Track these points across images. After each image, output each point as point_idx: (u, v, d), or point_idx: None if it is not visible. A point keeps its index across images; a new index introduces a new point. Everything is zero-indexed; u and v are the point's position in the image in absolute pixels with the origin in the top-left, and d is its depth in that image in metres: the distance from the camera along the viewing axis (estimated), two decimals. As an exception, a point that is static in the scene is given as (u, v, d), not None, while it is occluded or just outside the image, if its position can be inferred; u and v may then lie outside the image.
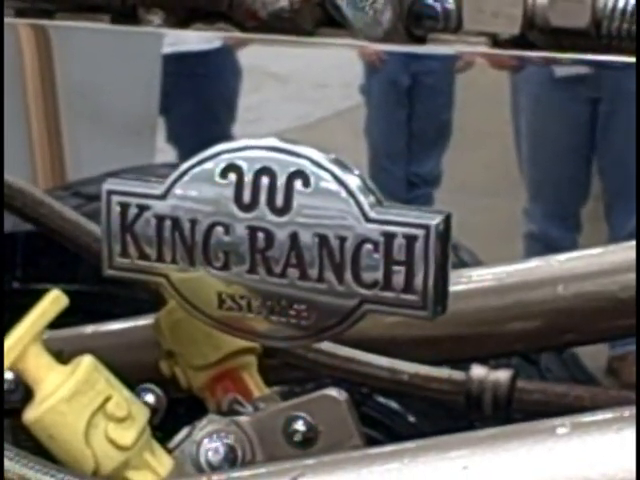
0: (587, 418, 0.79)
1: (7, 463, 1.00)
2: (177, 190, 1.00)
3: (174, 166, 1.02)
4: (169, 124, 2.39)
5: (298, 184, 0.97)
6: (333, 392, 1.00)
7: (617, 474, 0.78)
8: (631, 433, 0.81)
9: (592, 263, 1.04)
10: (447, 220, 0.96)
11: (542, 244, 1.55)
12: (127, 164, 1.12)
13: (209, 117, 1.74)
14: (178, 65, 1.83)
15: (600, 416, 0.79)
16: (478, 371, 1.02)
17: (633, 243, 1.02)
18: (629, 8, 1.02)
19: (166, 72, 1.80)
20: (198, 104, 1.73)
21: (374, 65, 2.47)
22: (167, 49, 1.32)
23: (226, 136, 0.99)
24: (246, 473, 0.90)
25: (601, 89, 1.69)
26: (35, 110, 1.01)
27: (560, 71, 1.85)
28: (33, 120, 1.00)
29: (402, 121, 2.26)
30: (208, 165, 0.99)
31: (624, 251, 1.02)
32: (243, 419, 1.01)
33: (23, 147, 1.01)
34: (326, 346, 1.05)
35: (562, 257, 1.04)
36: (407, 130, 2.38)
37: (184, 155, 0.98)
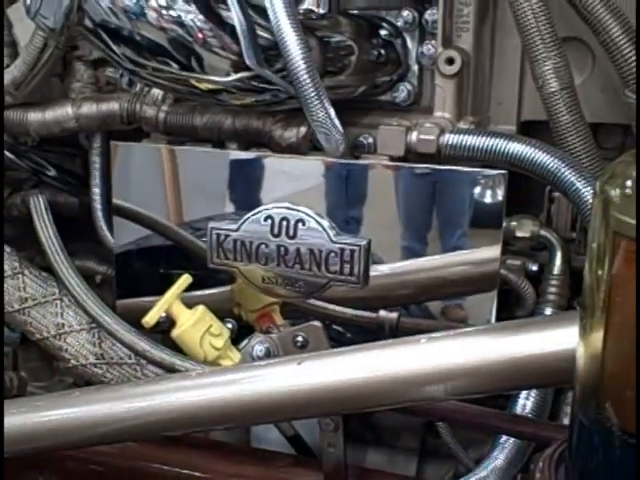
0: (435, 335, 0.74)
1: (164, 356, 0.92)
2: (243, 227, 0.96)
3: (241, 215, 0.97)
4: (232, 194, 2.16)
5: (300, 225, 0.94)
6: (316, 323, 0.94)
7: (451, 362, 0.70)
8: (451, 342, 0.73)
9: (435, 263, 0.97)
10: (369, 242, 0.94)
11: (410, 253, 1.47)
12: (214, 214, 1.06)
13: (251, 191, 1.68)
14: (237, 164, 1.74)
15: (441, 334, 0.74)
16: (382, 313, 0.97)
17: (456, 252, 0.96)
18: (451, 144, 0.93)
19: (230, 168, 1.70)
20: (245, 184, 1.65)
21: (330, 167, 2.33)
22: (232, 157, 1.28)
23: (261, 202, 0.97)
24: (275, 360, 0.83)
25: (437, 178, 1.58)
26: (169, 190, 0.98)
27: (418, 170, 1.73)
28: (169, 194, 0.97)
29: (343, 190, 2.13)
30: (257, 216, 0.96)
31: (450, 257, 0.96)
32: (273, 335, 0.95)
33: (165, 207, 0.97)
34: (312, 301, 1.00)
35: (422, 260, 0.99)
36: (344, 195, 2.24)
37: (243, 211, 0.95)
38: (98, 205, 1.08)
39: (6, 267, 1.02)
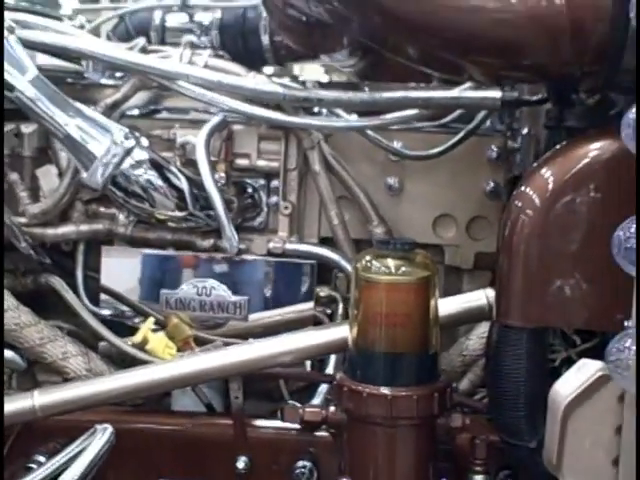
0: (287, 334, 1.33)
1: (143, 356, 1.36)
2: (181, 292, 1.48)
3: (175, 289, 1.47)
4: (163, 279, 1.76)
5: (213, 289, 1.45)
6: (219, 342, 1.36)
7: (294, 344, 1.28)
8: (293, 336, 1.29)
9: (279, 312, 1.45)
10: (250, 298, 1.46)
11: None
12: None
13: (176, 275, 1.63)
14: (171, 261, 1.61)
15: (289, 334, 1.33)
16: (251, 340, 1.41)
17: (291, 306, 1.43)
18: (288, 248, 1.48)
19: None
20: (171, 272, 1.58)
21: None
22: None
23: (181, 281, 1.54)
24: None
25: (282, 265, 1.57)
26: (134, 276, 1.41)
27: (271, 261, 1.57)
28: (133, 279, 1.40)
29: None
30: (188, 286, 1.46)
31: (286, 309, 1.44)
32: (195, 350, 1.35)
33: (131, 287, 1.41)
34: (212, 336, 1.39)
35: (270, 311, 1.44)
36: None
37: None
38: (81, 285, 1.52)
39: (30, 319, 1.51)
